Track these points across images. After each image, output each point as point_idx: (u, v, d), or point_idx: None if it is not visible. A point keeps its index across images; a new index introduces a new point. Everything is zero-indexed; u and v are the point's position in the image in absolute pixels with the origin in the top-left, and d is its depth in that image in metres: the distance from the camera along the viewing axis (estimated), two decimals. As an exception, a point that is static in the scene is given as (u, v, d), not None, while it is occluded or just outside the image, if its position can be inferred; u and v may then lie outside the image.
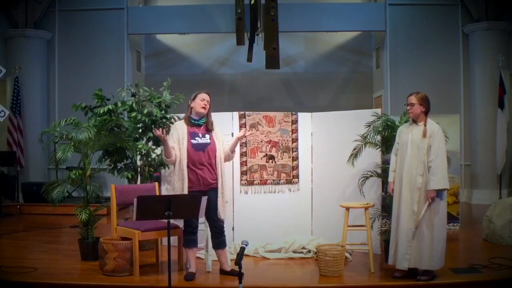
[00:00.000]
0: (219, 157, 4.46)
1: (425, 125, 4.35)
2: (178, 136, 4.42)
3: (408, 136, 4.41)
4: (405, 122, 4.74)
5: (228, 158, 4.65)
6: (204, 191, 4.38)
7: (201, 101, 4.45)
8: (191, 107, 4.51)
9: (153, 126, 5.58)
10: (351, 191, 5.49)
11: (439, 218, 4.29)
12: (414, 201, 4.30)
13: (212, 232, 4.57)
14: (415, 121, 4.44)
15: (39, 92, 9.47)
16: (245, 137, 4.59)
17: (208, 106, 4.48)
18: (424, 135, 4.31)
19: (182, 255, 4.79)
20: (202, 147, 4.41)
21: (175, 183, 4.40)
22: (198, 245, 4.70)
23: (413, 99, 4.40)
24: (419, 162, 4.30)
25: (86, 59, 9.61)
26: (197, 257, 4.83)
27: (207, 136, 4.46)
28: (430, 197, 4.23)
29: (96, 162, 5.56)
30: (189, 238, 4.50)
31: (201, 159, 4.39)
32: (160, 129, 4.32)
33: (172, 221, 3.96)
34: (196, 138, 4.41)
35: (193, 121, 4.48)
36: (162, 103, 5.63)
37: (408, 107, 4.43)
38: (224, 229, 4.61)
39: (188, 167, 4.38)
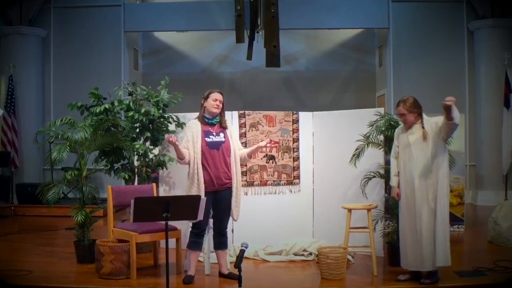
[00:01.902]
0: (233, 156, 4.47)
1: (423, 127, 4.35)
2: (192, 134, 4.43)
3: (408, 137, 4.41)
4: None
5: (244, 161, 4.68)
6: (218, 191, 4.40)
7: (213, 101, 4.46)
8: (204, 106, 4.51)
9: (150, 125, 5.59)
10: (353, 192, 5.49)
11: (444, 217, 4.31)
12: (430, 199, 4.29)
13: (215, 232, 4.59)
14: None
15: (34, 91, 9.48)
16: (266, 146, 4.64)
17: (221, 106, 4.49)
18: (425, 137, 4.31)
19: (180, 258, 4.80)
20: (217, 146, 4.43)
21: (189, 183, 4.39)
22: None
23: (402, 110, 4.37)
24: (427, 161, 4.30)
25: (82, 57, 9.62)
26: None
27: (221, 134, 4.48)
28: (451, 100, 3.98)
29: (92, 163, 5.56)
30: (194, 240, 4.51)
31: (215, 158, 4.40)
32: (173, 136, 4.34)
33: (170, 222, 3.96)
34: (210, 137, 4.43)
35: (206, 119, 4.49)
36: (160, 102, 5.64)
37: (401, 118, 4.42)
38: (227, 230, 4.62)
39: (202, 166, 4.38)
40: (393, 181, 4.56)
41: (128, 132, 5.43)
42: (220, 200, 4.45)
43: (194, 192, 4.33)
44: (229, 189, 4.47)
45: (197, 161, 4.38)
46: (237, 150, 4.55)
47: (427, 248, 4.27)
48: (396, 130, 4.65)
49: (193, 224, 4.47)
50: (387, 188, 5.33)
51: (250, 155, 4.63)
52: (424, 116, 4.42)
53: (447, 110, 4.03)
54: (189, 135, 4.45)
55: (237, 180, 4.49)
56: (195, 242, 4.51)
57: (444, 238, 4.29)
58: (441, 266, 4.31)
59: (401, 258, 4.48)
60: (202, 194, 4.29)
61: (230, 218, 4.62)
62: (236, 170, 4.49)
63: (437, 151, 4.32)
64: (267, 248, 5.43)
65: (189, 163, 4.42)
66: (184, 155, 4.38)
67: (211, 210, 4.50)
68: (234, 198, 4.48)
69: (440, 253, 4.26)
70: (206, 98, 4.51)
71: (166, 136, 4.42)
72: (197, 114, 4.63)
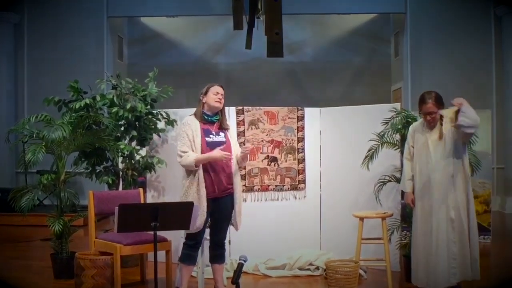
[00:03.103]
0: (234, 158, 4.47)
1: (441, 124, 4.33)
2: (192, 133, 4.42)
3: (426, 136, 4.39)
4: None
5: (239, 165, 4.63)
6: (218, 198, 4.39)
7: (214, 95, 4.47)
8: (203, 102, 4.52)
9: (137, 123, 5.59)
10: (366, 198, 5.50)
11: (474, 218, 4.34)
12: (450, 207, 4.28)
13: (212, 243, 4.58)
14: None
15: (6, 84, 9.48)
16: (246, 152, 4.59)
17: (223, 100, 4.50)
18: (441, 137, 4.31)
19: (171, 273, 4.80)
20: (218, 146, 4.42)
21: (188, 189, 4.38)
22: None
23: (432, 107, 4.30)
24: (447, 163, 4.30)
25: (60, 46, 9.62)
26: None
27: (222, 134, 4.48)
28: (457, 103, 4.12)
29: (71, 165, 5.56)
30: (188, 252, 4.49)
31: (217, 160, 4.40)
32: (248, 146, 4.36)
33: (159, 233, 3.96)
34: (211, 136, 4.43)
35: (206, 117, 4.49)
36: (147, 97, 5.64)
37: (428, 118, 4.36)
38: (225, 242, 4.62)
39: (203, 169, 4.38)
40: (407, 186, 4.54)
41: (112, 130, 5.43)
42: (220, 208, 4.43)
43: (192, 198, 4.31)
44: (230, 195, 4.46)
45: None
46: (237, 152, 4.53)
47: (442, 263, 4.27)
48: (411, 127, 4.63)
49: (187, 234, 4.46)
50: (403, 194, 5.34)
51: (240, 162, 4.56)
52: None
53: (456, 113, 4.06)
54: (189, 134, 4.43)
55: (238, 185, 4.49)
56: (189, 255, 4.50)
57: (474, 249, 4.31)
58: (470, 279, 4.33)
59: (412, 273, 4.47)
60: (204, 201, 4.29)
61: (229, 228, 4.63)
62: (236, 174, 4.49)
63: (457, 152, 4.31)
64: (269, 262, 5.43)
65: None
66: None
67: (208, 220, 4.49)
68: (237, 204, 4.47)
69: (469, 265, 4.28)
70: (206, 93, 4.51)
71: (245, 148, 4.41)
72: (190, 110, 4.63)
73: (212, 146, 4.41)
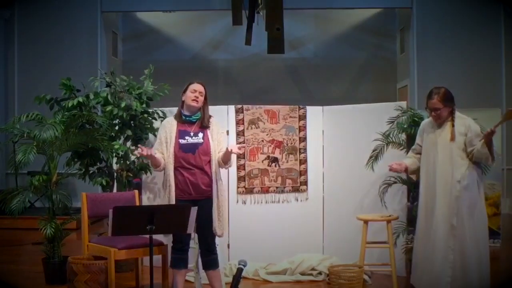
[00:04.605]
0: (214, 159, 4.44)
1: (453, 126, 4.30)
2: (166, 135, 4.42)
3: (436, 136, 4.37)
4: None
5: (221, 167, 4.57)
6: (196, 201, 4.37)
7: (192, 93, 4.44)
8: (183, 101, 4.51)
9: (132, 122, 5.59)
10: (371, 200, 5.50)
11: (483, 229, 4.30)
12: (452, 213, 4.25)
13: (201, 249, 4.57)
14: None
15: (-5, 81, 9.50)
16: (238, 154, 4.58)
17: (201, 98, 4.46)
18: (452, 138, 4.29)
19: (167, 278, 4.80)
20: (192, 148, 4.40)
21: (163, 191, 4.40)
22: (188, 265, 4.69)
23: (437, 104, 4.29)
24: (454, 166, 4.29)
25: (52, 42, 9.62)
26: (186, 280, 4.83)
27: (200, 135, 4.45)
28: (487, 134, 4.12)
29: (63, 166, 5.56)
30: (177, 256, 4.49)
31: (191, 162, 4.38)
32: (145, 148, 4.31)
33: (155, 236, 3.96)
34: (186, 138, 4.42)
35: (184, 117, 4.47)
36: (143, 95, 5.64)
37: (433, 114, 4.34)
38: (217, 246, 4.59)
39: (176, 170, 4.38)
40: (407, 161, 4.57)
41: (106, 130, 5.43)
42: (201, 212, 4.39)
43: (165, 201, 4.33)
44: (210, 199, 4.44)
45: (168, 167, 4.38)
46: (217, 153, 4.48)
47: (438, 269, 4.25)
48: (422, 124, 4.61)
49: (173, 238, 4.45)
50: (410, 195, 5.33)
51: (225, 161, 4.47)
52: (458, 113, 4.39)
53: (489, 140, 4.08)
54: (162, 136, 4.44)
55: (218, 188, 4.44)
56: (180, 259, 4.48)
57: (480, 260, 4.26)
58: None
59: (412, 273, 4.47)
60: (172, 203, 4.32)
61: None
62: (216, 177, 4.44)
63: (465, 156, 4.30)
64: (269, 267, 5.43)
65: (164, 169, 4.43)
66: (159, 163, 4.38)
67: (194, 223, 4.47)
68: (216, 209, 4.43)
69: (472, 277, 4.23)
70: (185, 91, 4.50)
71: (137, 151, 4.41)
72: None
73: (185, 149, 4.38)
